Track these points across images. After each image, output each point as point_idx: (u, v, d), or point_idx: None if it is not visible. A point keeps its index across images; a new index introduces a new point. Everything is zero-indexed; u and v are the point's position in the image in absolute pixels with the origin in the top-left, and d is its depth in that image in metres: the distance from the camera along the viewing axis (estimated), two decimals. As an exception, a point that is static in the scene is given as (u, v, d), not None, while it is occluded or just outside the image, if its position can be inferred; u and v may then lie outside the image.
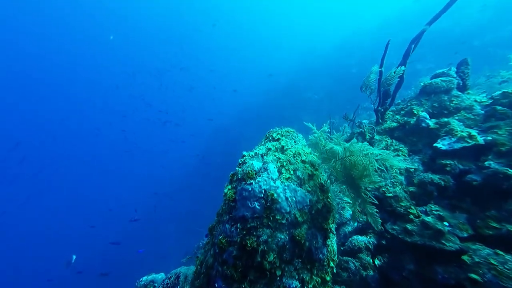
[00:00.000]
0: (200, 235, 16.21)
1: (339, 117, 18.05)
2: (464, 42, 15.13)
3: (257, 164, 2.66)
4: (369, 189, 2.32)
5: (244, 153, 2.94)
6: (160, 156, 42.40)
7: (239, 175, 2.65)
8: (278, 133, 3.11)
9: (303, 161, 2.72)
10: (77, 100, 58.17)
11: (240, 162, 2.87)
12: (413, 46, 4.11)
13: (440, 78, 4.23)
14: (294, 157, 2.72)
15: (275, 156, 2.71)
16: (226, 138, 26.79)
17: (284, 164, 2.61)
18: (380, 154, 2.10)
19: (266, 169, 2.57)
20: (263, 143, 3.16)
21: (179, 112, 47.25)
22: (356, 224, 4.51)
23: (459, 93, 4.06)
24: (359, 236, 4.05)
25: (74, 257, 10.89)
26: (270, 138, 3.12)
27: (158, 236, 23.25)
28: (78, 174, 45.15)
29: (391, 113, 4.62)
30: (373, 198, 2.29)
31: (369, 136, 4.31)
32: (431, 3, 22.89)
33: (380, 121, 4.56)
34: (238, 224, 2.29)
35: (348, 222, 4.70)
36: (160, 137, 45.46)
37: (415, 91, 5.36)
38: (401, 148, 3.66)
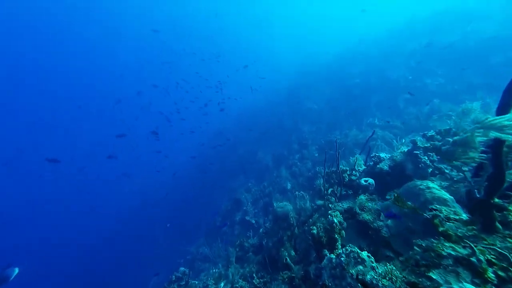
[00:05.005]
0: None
1: (339, 132, 16.59)
2: (479, 58, 13.92)
3: None
4: None
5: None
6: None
7: None
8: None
9: None
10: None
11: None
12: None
13: None
14: None
15: None
16: (222, 143, 25.52)
17: None
18: None
19: None
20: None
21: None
22: None
23: None
24: None
25: (17, 270, 8.44)
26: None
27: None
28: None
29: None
30: None
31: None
32: (440, 12, 21.81)
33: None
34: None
35: None
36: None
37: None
38: None
